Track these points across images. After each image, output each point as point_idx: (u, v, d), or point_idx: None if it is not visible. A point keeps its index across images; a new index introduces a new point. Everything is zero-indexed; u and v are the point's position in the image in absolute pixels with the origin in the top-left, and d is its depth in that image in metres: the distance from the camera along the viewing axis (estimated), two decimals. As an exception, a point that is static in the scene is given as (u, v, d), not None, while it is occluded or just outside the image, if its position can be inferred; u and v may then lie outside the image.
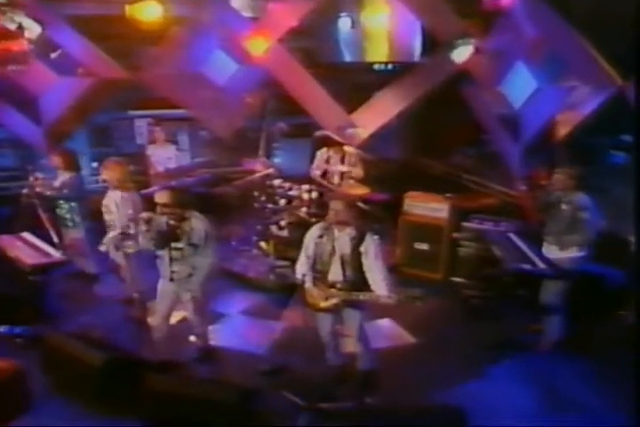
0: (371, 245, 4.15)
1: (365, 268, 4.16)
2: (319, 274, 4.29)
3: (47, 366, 4.42)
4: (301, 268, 4.36)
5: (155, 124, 8.24)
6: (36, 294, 5.33)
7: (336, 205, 4.17)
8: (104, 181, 5.48)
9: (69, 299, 5.85)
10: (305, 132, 7.92)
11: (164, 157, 7.72)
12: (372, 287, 4.11)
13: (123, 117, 8.63)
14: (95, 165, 8.21)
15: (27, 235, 5.61)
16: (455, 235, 6.40)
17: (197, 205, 4.60)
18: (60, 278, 5.85)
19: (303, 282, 4.32)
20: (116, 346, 4.45)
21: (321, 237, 4.24)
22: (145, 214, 4.47)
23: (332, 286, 4.21)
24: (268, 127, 8.00)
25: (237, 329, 5.60)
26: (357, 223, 4.24)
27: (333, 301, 4.21)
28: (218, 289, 5.59)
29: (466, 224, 6.32)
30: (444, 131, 8.01)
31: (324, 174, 6.86)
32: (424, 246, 6.60)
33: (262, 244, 6.97)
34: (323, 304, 4.26)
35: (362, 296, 4.11)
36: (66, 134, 7.46)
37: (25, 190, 5.88)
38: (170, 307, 4.65)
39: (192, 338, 4.97)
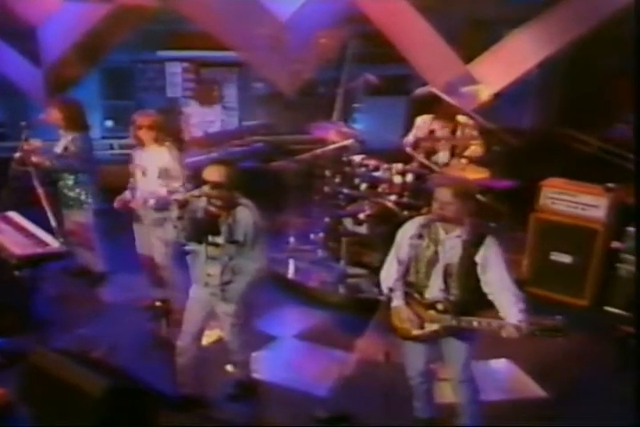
0: (492, 254, 4.12)
1: (486, 285, 4.13)
2: (413, 289, 4.28)
3: (31, 391, 4.57)
4: (388, 279, 4.34)
5: (208, 82, 8.39)
6: (22, 296, 5.55)
7: (443, 195, 4.14)
8: (138, 141, 5.73)
9: (66, 304, 6.08)
10: (400, 87, 7.89)
11: (208, 119, 7.88)
12: (501, 313, 4.06)
13: (149, 59, 8.88)
14: (109, 123, 8.48)
15: (15, 215, 5.86)
16: (615, 244, 6.27)
17: (245, 187, 4.67)
18: (55, 276, 6.09)
19: (389, 299, 4.31)
20: (124, 371, 4.56)
21: (419, 237, 4.20)
22: (180, 195, 4.57)
23: (432, 306, 4.20)
24: (347, 80, 8.00)
25: (290, 358, 5.66)
26: (472, 221, 4.20)
27: (432, 327, 4.20)
28: (266, 302, 5.67)
29: (632, 229, 6.17)
30: (603, 90, 7.78)
31: (427, 150, 6.81)
32: (565, 258, 6.50)
33: (331, 243, 7.02)
34: (416, 331, 4.25)
35: (475, 323, 4.07)
36: (71, 79, 7.75)
37: (16, 155, 6.12)
38: (202, 322, 4.74)
39: (228, 367, 5.07)
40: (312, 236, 7.25)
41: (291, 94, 7.84)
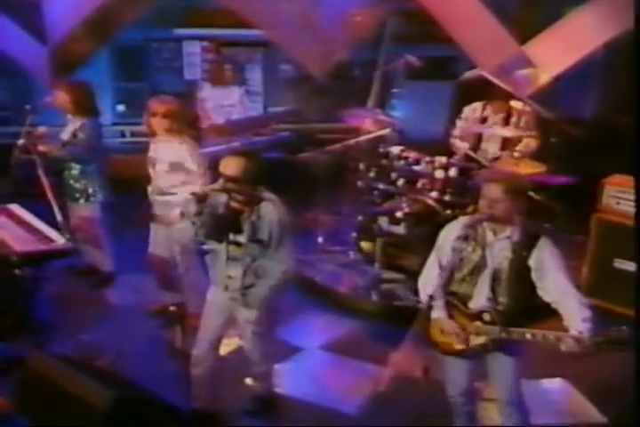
0: (547, 255, 4.09)
1: (546, 292, 4.10)
2: (455, 298, 4.27)
3: (29, 401, 4.61)
4: (427, 285, 4.32)
5: (221, 60, 8.41)
6: (23, 296, 5.60)
7: (492, 192, 4.11)
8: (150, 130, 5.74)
9: (69, 306, 6.15)
10: (445, 70, 7.84)
11: (225, 102, 7.91)
12: (565, 323, 4.02)
13: (165, 38, 8.96)
14: (121, 108, 8.53)
15: (17, 208, 5.92)
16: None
17: (270, 181, 4.67)
18: (59, 275, 6.17)
19: (429, 307, 4.29)
20: (131, 380, 4.59)
21: (464, 239, 4.18)
22: (199, 189, 4.58)
23: (477, 316, 4.18)
24: (385, 62, 7.98)
25: (316, 372, 5.67)
26: (524, 221, 4.18)
27: (479, 340, 4.17)
28: (291, 309, 5.69)
29: None
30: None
31: (474, 142, 6.79)
32: (630, 266, 6.38)
33: (364, 244, 7.03)
34: (459, 345, 4.22)
35: (529, 335, 4.03)
36: (80, 59, 7.80)
37: (20, 142, 6.14)
38: (220, 329, 4.76)
39: (248, 380, 5.10)
40: (343, 235, 7.24)
41: (321, 78, 7.83)
